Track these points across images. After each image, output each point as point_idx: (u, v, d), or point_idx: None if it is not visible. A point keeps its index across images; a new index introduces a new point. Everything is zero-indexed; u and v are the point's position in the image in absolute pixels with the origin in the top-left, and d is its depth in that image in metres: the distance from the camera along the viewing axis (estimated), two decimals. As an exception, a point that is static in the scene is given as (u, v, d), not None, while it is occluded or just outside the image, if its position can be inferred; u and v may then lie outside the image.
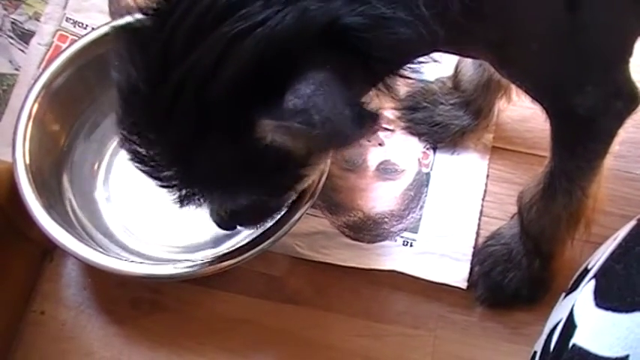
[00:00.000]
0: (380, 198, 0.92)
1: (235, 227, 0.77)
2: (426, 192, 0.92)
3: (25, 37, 0.99)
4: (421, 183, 0.92)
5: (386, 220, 0.90)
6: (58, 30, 0.99)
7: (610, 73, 0.68)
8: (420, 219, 0.90)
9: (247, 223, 0.77)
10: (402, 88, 0.76)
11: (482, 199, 0.91)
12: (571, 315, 0.60)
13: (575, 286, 0.67)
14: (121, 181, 0.91)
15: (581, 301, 0.60)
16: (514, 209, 0.84)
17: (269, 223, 0.78)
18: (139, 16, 0.55)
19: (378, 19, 0.52)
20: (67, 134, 0.89)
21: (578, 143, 0.73)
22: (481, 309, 0.86)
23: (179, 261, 0.82)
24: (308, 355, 0.85)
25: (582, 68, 0.66)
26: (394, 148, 0.94)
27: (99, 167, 0.92)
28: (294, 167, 0.60)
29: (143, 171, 0.59)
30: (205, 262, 0.78)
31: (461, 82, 0.91)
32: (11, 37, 0.98)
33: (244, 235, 0.86)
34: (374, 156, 0.93)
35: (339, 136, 0.51)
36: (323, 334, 0.86)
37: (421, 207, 0.91)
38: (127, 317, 0.87)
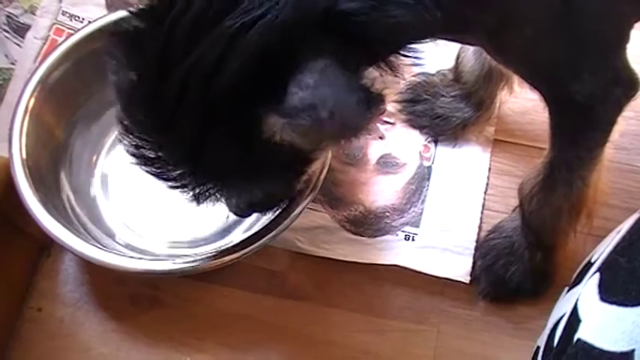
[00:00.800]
0: (381, 192, 0.91)
1: (251, 214, 0.78)
2: (428, 185, 0.91)
3: (20, 30, 0.98)
4: (422, 176, 0.92)
5: (387, 214, 0.90)
6: (54, 23, 0.98)
7: (606, 59, 0.67)
8: (421, 213, 0.90)
9: (264, 209, 0.77)
10: (405, 74, 0.75)
11: (485, 193, 0.91)
12: (575, 309, 0.60)
13: (578, 280, 0.67)
14: (119, 176, 0.90)
15: (586, 295, 0.60)
16: (516, 202, 0.83)
17: (273, 215, 0.78)
18: (131, 17, 0.55)
19: (375, 3, 0.52)
20: (63, 129, 0.88)
21: (577, 132, 0.72)
22: (484, 303, 0.86)
23: (178, 256, 0.82)
24: (309, 351, 0.84)
25: (578, 54, 0.65)
26: (395, 141, 0.94)
27: (96, 161, 0.91)
28: (303, 154, 0.60)
29: (152, 173, 0.59)
30: (205, 258, 0.78)
31: (462, 74, 0.90)
32: (6, 31, 0.98)
33: (243, 229, 0.86)
34: (375, 149, 0.93)
35: (349, 127, 0.51)
36: (324, 329, 0.85)
37: (423, 201, 0.90)
38: (125, 313, 0.86)
